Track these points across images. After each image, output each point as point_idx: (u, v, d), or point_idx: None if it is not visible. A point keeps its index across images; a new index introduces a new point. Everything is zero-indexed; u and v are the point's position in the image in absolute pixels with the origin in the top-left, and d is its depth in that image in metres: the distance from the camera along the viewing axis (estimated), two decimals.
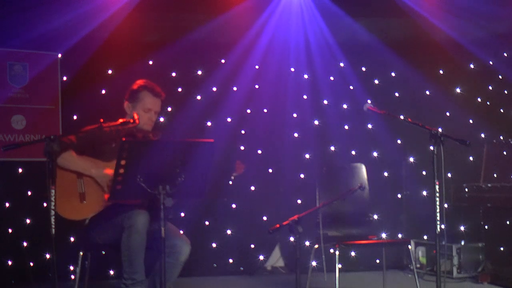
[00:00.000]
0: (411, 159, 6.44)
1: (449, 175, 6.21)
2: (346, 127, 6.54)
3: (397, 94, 6.64)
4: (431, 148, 3.43)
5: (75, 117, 5.87)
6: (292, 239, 5.97)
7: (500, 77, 6.59)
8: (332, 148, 6.44)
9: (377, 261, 6.16)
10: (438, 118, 6.42)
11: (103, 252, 4.17)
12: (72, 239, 5.54)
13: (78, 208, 3.74)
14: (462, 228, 6.16)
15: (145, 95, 3.98)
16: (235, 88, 6.26)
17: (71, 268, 5.45)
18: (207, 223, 6.13)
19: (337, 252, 4.32)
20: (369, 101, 3.95)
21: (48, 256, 5.53)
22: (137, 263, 3.63)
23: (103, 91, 5.92)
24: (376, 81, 6.66)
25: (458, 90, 6.60)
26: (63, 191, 3.65)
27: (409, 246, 4.93)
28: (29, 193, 5.67)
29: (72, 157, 3.77)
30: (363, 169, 5.08)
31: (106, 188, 3.75)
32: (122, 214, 3.68)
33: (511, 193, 5.20)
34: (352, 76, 6.60)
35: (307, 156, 6.39)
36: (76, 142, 3.82)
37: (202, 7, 5.79)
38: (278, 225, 3.51)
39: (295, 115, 6.46)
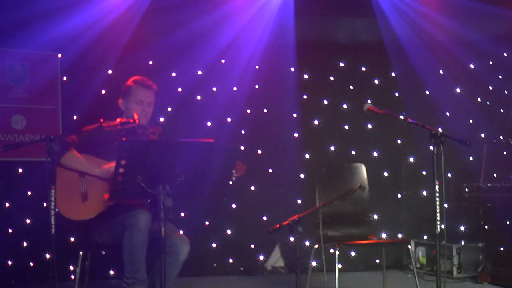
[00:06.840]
0: (411, 159, 6.44)
1: (449, 175, 6.22)
2: (346, 127, 6.54)
3: (397, 94, 6.64)
4: (431, 148, 3.43)
5: (75, 117, 5.86)
6: (292, 239, 5.97)
7: (500, 77, 6.60)
8: (332, 148, 6.44)
9: (377, 261, 6.17)
10: (438, 118, 6.42)
11: (103, 252, 4.16)
12: (72, 239, 5.54)
13: (81, 208, 3.72)
14: (462, 228, 6.16)
15: (136, 88, 4.07)
16: (235, 88, 6.27)
17: (71, 268, 5.46)
18: (207, 223, 6.12)
19: (337, 252, 4.33)
20: (369, 101, 3.94)
21: (48, 256, 5.52)
22: (138, 262, 3.63)
23: (103, 91, 5.92)
24: (376, 81, 6.65)
25: (458, 90, 6.60)
26: (65, 190, 3.65)
27: (409, 246, 4.93)
28: (29, 193, 5.67)
29: (76, 156, 3.77)
30: (363, 169, 5.08)
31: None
32: (124, 213, 3.69)
33: (511, 193, 5.20)
34: (352, 76, 6.61)
35: (307, 156, 6.39)
36: (78, 141, 3.84)
37: (203, 6, 5.80)
38: (278, 225, 3.51)
39: (295, 115, 6.46)
